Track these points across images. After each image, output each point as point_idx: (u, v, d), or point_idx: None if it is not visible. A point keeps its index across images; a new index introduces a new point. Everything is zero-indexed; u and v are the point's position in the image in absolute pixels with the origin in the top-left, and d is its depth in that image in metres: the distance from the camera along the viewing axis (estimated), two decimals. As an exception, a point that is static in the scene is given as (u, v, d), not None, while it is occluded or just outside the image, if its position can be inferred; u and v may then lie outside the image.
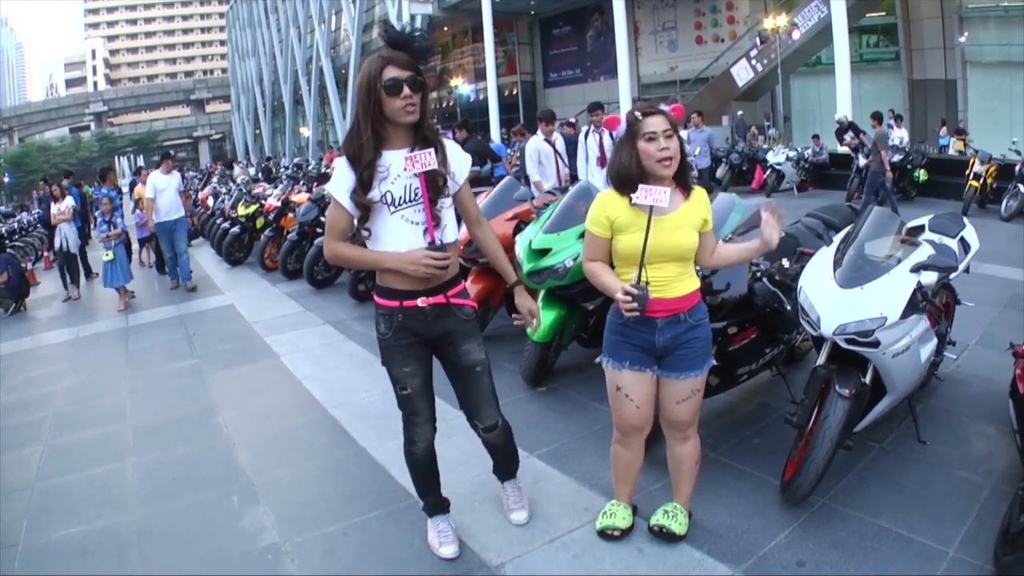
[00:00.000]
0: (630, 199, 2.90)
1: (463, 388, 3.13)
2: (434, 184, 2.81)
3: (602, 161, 8.45)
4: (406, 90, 2.70)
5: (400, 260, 2.80)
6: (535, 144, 9.02)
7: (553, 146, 8.94)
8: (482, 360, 3.07)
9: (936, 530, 3.24)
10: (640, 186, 2.83)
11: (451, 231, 2.93)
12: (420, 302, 2.89)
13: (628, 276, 2.94)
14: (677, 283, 2.95)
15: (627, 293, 2.80)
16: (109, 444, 5.09)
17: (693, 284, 3.02)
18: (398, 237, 2.83)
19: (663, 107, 3.00)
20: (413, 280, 2.86)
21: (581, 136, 9.03)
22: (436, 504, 3.34)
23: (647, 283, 2.87)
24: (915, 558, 3.08)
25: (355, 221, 2.86)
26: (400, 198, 2.81)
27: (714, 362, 3.10)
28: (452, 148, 2.93)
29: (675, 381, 3.04)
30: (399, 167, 2.79)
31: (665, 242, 2.88)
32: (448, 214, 2.91)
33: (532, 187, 8.61)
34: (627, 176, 2.90)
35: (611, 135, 8.05)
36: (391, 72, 2.69)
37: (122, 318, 9.31)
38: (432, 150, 2.76)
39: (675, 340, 2.99)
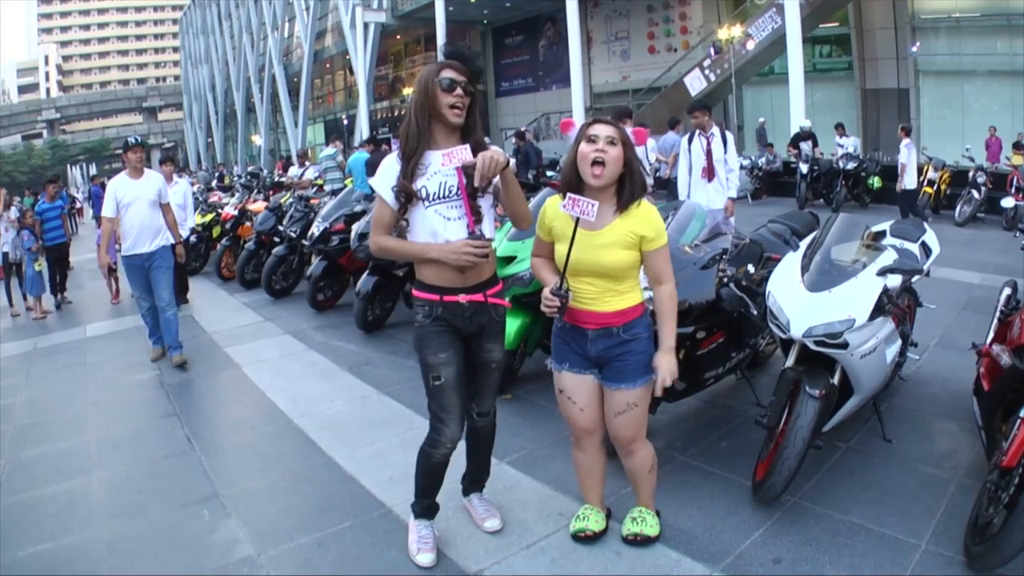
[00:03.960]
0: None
1: (474, 378, 3.24)
2: (471, 179, 2.89)
3: (709, 172, 7.31)
4: (459, 90, 2.89)
5: (443, 250, 2.92)
6: None
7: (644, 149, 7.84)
8: (500, 359, 3.24)
9: (907, 524, 3.33)
10: (569, 195, 2.84)
11: (488, 228, 3.02)
12: (461, 298, 3.01)
13: (570, 281, 3.00)
14: (607, 298, 2.97)
15: (548, 296, 2.91)
16: (73, 458, 4.96)
17: (630, 301, 3.00)
18: (432, 229, 2.96)
19: (628, 127, 3.03)
20: (453, 275, 2.98)
21: (684, 141, 7.64)
22: (428, 508, 3.34)
23: (568, 290, 2.93)
24: (888, 552, 3.15)
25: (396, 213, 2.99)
26: (434, 193, 2.94)
27: (652, 378, 3.02)
28: (498, 153, 3.01)
29: (611, 392, 3.06)
30: (437, 164, 2.93)
31: (585, 259, 2.91)
32: (488, 212, 3.03)
33: None
34: (566, 178, 2.99)
35: (724, 140, 7.37)
36: (448, 72, 2.89)
37: (80, 329, 9.11)
38: (467, 146, 2.87)
39: (607, 352, 3.02)
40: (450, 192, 2.94)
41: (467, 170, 2.89)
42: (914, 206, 11.70)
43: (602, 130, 2.89)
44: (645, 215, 2.94)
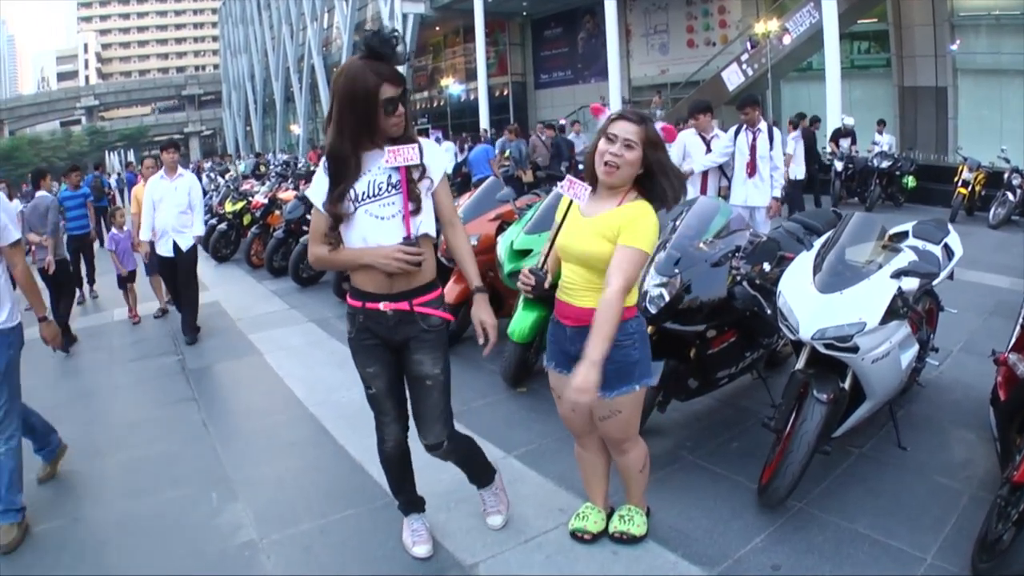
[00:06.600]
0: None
1: (413, 399, 3.06)
2: (410, 176, 2.78)
3: (751, 168, 7.13)
4: (400, 108, 2.72)
5: (374, 254, 2.78)
6: (683, 138, 7.76)
7: (707, 143, 7.58)
8: (434, 375, 2.96)
9: (914, 536, 3.24)
10: (568, 176, 2.81)
11: (426, 224, 2.86)
12: (383, 306, 2.86)
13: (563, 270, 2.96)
14: (586, 292, 2.85)
15: (526, 273, 2.89)
16: (90, 440, 5.04)
17: None
18: (365, 232, 2.80)
19: (658, 123, 2.94)
20: (379, 281, 2.83)
21: (730, 134, 7.41)
22: (410, 503, 3.33)
23: (545, 271, 2.91)
24: (891, 564, 3.08)
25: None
26: (363, 193, 2.78)
27: (637, 389, 2.91)
28: (428, 145, 2.89)
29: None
30: (366, 165, 2.79)
31: (571, 243, 2.85)
32: (426, 208, 2.86)
33: None
34: (587, 168, 2.92)
35: (771, 137, 7.20)
36: (389, 91, 2.68)
37: (107, 313, 9.25)
38: (415, 145, 2.74)
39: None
40: (380, 190, 2.78)
41: (409, 170, 2.77)
42: (799, 197, 12.30)
43: (622, 130, 2.75)
44: (633, 211, 2.78)
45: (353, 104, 2.68)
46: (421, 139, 2.88)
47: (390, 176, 2.78)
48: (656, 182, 2.81)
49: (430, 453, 3.10)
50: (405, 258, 2.75)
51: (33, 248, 7.85)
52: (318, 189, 2.82)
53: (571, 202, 2.87)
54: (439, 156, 2.96)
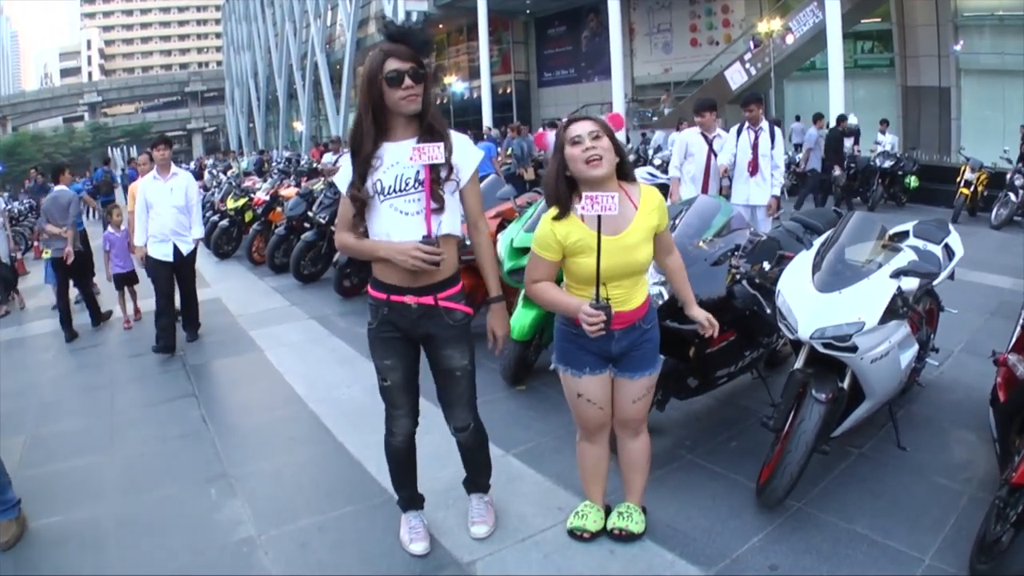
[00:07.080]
0: (581, 217, 2.78)
1: (441, 387, 3.13)
2: (434, 175, 2.78)
3: (753, 166, 7.16)
4: (407, 81, 2.73)
5: (391, 249, 2.78)
6: (686, 136, 7.77)
7: (710, 143, 7.44)
8: (463, 366, 3.04)
9: (912, 537, 3.23)
10: (585, 194, 2.63)
11: (449, 224, 2.87)
12: (408, 299, 2.88)
13: (583, 293, 2.86)
14: (633, 295, 2.92)
15: (591, 312, 2.73)
16: (91, 435, 5.07)
17: (646, 290, 3.01)
18: (388, 226, 2.82)
19: (603, 115, 2.97)
20: (403, 274, 2.84)
21: (732, 132, 7.38)
22: (410, 499, 3.33)
23: (607, 299, 2.79)
24: (889, 564, 3.07)
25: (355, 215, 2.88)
26: (389, 187, 2.80)
27: (663, 358, 3.14)
28: (460, 142, 2.89)
29: (630, 381, 3.04)
30: (393, 157, 2.80)
31: (621, 264, 2.81)
32: (450, 207, 2.86)
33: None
34: (553, 189, 2.84)
35: (772, 136, 7.21)
36: (392, 64, 2.72)
37: (108, 309, 9.23)
38: (441, 144, 2.73)
39: (630, 345, 2.99)
40: (407, 185, 2.80)
41: (435, 169, 2.75)
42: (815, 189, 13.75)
43: (583, 128, 2.78)
44: (654, 202, 2.90)
45: (363, 82, 2.78)
46: (454, 134, 2.89)
47: (418, 172, 2.79)
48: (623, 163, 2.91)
49: (457, 435, 3.19)
50: (423, 256, 2.74)
51: (37, 243, 7.90)
52: (344, 177, 2.88)
53: (599, 224, 2.68)
54: (470, 154, 2.94)
